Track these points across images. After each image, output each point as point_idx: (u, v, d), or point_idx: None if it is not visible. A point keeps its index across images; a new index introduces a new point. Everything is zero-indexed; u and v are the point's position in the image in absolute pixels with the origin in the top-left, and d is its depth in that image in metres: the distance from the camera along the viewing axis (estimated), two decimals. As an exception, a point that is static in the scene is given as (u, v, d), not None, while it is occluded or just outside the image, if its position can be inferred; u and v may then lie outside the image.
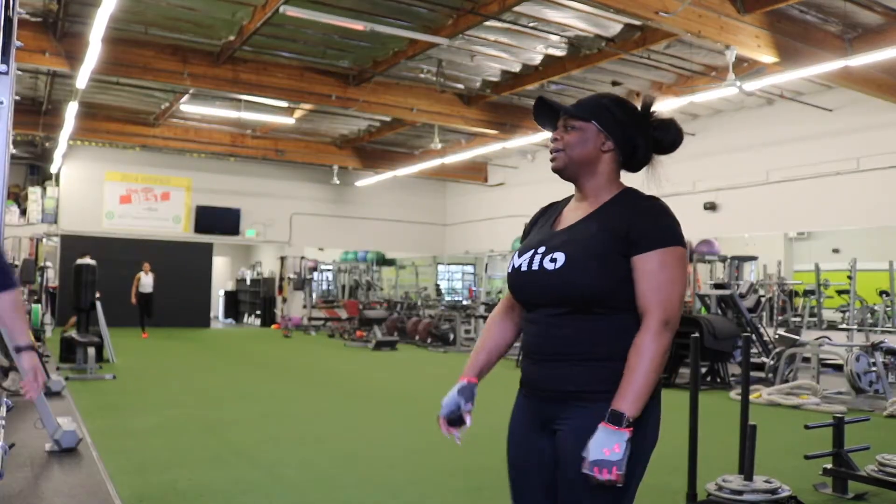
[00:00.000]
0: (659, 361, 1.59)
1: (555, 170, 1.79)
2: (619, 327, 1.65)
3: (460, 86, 12.04)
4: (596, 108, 1.76)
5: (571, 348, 1.67)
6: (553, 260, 1.68)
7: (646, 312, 1.61)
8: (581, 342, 1.66)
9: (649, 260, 1.63)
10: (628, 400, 1.56)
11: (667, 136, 1.78)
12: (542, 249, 1.72)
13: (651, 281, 1.62)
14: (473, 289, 19.47)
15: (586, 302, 1.65)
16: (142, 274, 14.29)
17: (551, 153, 1.78)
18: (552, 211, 1.88)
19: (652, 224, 1.66)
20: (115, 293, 13.01)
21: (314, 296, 20.52)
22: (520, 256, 1.77)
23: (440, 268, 21.63)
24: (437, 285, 20.17)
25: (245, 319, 21.91)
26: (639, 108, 1.80)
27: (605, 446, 1.53)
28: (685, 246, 1.68)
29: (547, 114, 1.83)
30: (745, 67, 9.53)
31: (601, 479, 1.52)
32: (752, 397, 6.53)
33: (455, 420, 1.87)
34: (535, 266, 1.71)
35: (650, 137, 1.77)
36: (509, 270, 1.79)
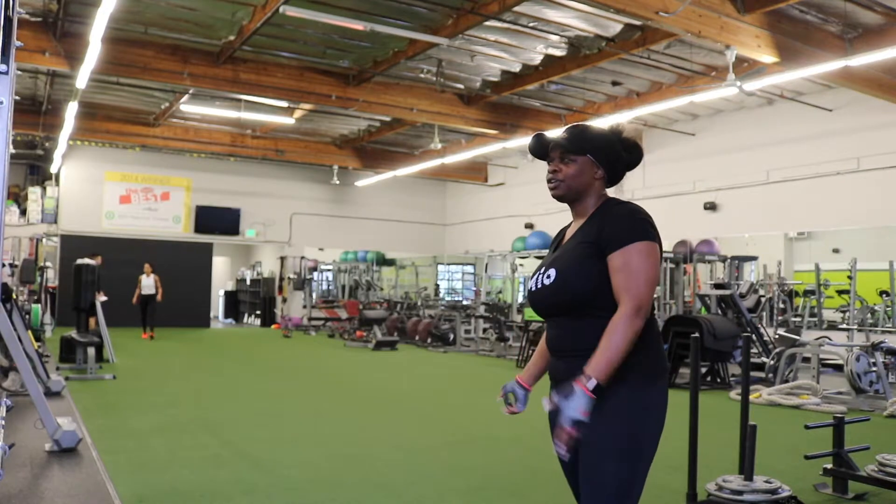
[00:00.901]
0: (629, 341, 1.82)
1: (556, 197, 2.06)
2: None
3: (460, 86, 12.04)
4: (588, 142, 2.02)
5: (576, 345, 1.94)
6: (548, 276, 1.99)
7: (620, 302, 1.86)
8: (581, 339, 1.92)
9: (618, 257, 1.88)
10: (600, 367, 1.80)
11: (634, 157, 2.07)
12: (542, 269, 2.04)
13: (621, 274, 1.87)
14: (479, 290, 19.49)
15: (577, 306, 1.93)
16: (142, 276, 14.18)
17: (550, 183, 2.06)
18: (560, 236, 2.17)
19: (619, 226, 1.91)
20: (114, 293, 12.99)
21: (314, 296, 20.53)
22: (531, 278, 2.09)
23: (440, 268, 21.63)
24: (437, 285, 20.15)
25: (245, 319, 21.92)
26: (611, 134, 2.07)
27: (580, 407, 1.77)
28: (652, 240, 1.90)
29: (541, 146, 2.09)
30: (745, 67, 9.52)
31: (572, 434, 1.77)
32: (752, 397, 6.54)
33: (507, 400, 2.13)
34: (538, 284, 2.02)
35: (624, 159, 2.06)
36: (527, 292, 2.18)
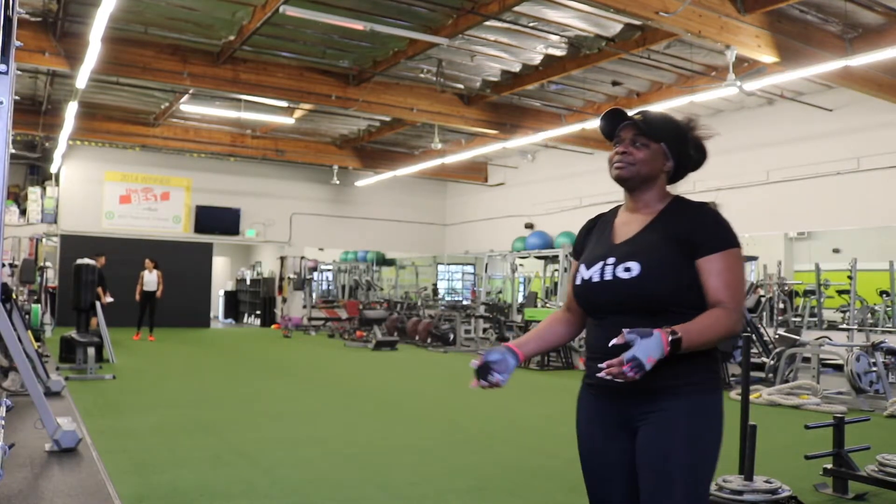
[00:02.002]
0: (723, 331, 1.74)
1: (619, 177, 1.92)
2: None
3: (460, 86, 12.04)
4: (665, 130, 1.92)
5: None
6: (627, 269, 1.82)
7: (720, 303, 1.77)
8: None
9: (717, 260, 1.79)
10: (690, 335, 1.69)
11: (700, 158, 1.97)
12: (611, 260, 1.87)
13: (720, 279, 1.78)
14: (476, 290, 19.48)
15: (661, 306, 1.80)
16: (145, 272, 13.88)
17: (618, 163, 1.91)
18: (603, 224, 2.03)
19: (715, 228, 1.82)
20: (114, 293, 12.99)
21: (314, 296, 20.52)
22: (588, 269, 1.91)
23: (440, 268, 21.62)
24: (435, 286, 20.15)
25: (245, 319, 21.92)
26: (686, 127, 1.96)
27: (652, 355, 1.63)
28: (740, 246, 1.85)
29: (612, 122, 1.95)
30: (746, 67, 9.52)
31: (626, 372, 1.62)
32: (752, 397, 6.54)
33: (484, 372, 1.87)
34: (607, 276, 1.85)
35: (691, 157, 1.96)
36: (577, 283, 1.93)
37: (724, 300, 1.77)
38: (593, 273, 1.89)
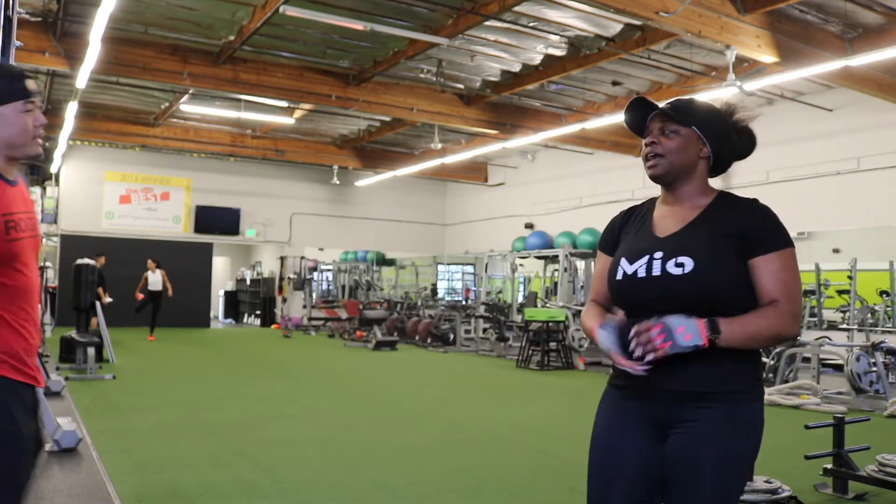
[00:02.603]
0: (774, 331, 1.66)
1: (654, 176, 1.80)
2: None
3: (460, 86, 12.04)
4: (695, 113, 1.79)
5: (698, 350, 1.66)
6: (679, 265, 1.70)
7: (775, 304, 1.68)
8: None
9: (773, 261, 1.70)
10: (733, 329, 1.61)
11: (746, 143, 1.85)
12: (658, 255, 1.74)
13: (777, 279, 1.68)
14: (471, 289, 19.49)
15: (714, 304, 1.67)
16: (148, 272, 13.78)
17: (649, 158, 1.79)
18: (638, 217, 1.90)
19: (768, 227, 1.73)
20: (114, 293, 12.99)
21: (314, 296, 20.52)
22: (631, 263, 1.78)
23: (440, 268, 21.63)
24: (434, 286, 20.15)
25: (245, 319, 21.92)
26: (724, 110, 1.85)
27: (690, 332, 1.57)
28: (794, 246, 1.77)
29: (639, 114, 1.83)
30: (746, 67, 9.53)
31: (653, 339, 1.56)
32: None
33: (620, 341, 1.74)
34: (655, 272, 1.73)
35: (734, 144, 1.83)
36: (619, 277, 1.79)
37: (778, 299, 1.67)
38: (638, 268, 1.75)
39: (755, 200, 1.78)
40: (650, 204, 1.92)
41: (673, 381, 1.69)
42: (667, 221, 1.82)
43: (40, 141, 1.93)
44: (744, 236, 1.70)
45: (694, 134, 1.77)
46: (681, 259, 1.70)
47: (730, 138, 1.81)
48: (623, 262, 1.80)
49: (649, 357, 1.60)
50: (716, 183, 1.89)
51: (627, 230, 1.90)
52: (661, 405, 1.72)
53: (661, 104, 1.81)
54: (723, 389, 1.68)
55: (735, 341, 1.62)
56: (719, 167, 1.84)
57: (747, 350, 1.70)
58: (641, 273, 1.75)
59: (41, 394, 1.97)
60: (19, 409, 1.88)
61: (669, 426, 1.72)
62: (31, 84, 1.92)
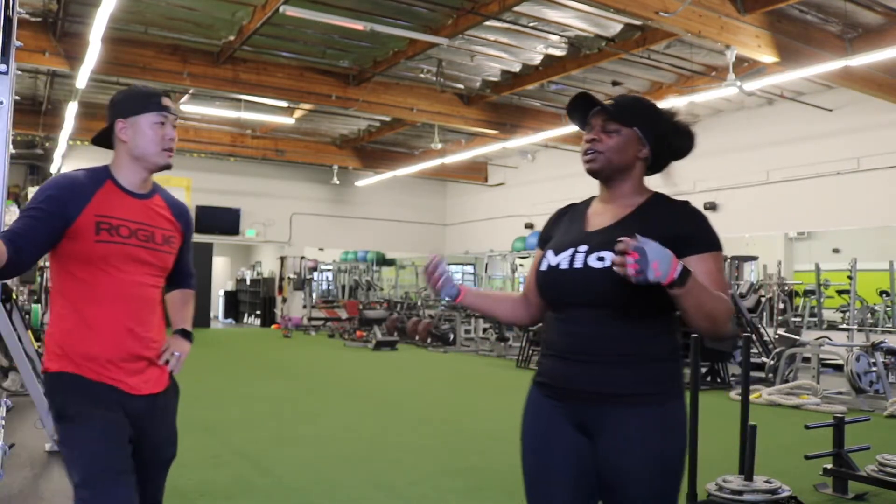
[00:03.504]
0: (721, 310, 1.59)
1: (591, 171, 1.79)
2: (662, 328, 1.69)
3: (460, 86, 12.04)
4: (637, 113, 1.79)
5: (617, 349, 1.67)
6: (601, 259, 1.67)
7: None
8: (627, 343, 1.67)
9: (706, 260, 1.67)
10: (698, 283, 1.54)
11: (683, 145, 1.84)
12: (583, 248, 1.72)
13: (713, 278, 1.65)
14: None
15: (634, 301, 1.64)
16: None
17: (588, 153, 1.78)
18: (574, 212, 1.90)
19: (702, 229, 1.72)
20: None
21: (314, 296, 20.51)
22: (556, 255, 1.76)
23: (440, 268, 21.58)
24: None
25: (245, 319, 21.92)
26: (664, 111, 1.85)
27: (661, 270, 1.48)
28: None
29: (581, 109, 1.81)
30: (746, 67, 9.52)
31: (628, 265, 1.47)
32: (752, 397, 6.54)
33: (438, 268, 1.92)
34: (577, 264, 1.70)
35: (673, 144, 1.83)
36: (543, 269, 1.78)
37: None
38: (562, 259, 1.74)
39: (688, 203, 1.78)
40: (588, 200, 1.91)
41: (592, 382, 1.67)
42: (599, 217, 1.81)
43: (169, 153, 2.03)
44: (677, 236, 1.66)
45: (634, 134, 1.77)
46: (603, 253, 1.67)
47: (669, 139, 1.81)
48: (549, 253, 1.79)
49: (618, 270, 1.51)
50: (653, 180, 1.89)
51: (560, 225, 1.89)
52: (584, 406, 1.69)
53: (606, 102, 1.80)
54: (645, 391, 1.65)
55: (689, 298, 1.53)
56: (657, 167, 1.85)
57: (669, 350, 1.70)
58: (564, 265, 1.73)
59: (130, 399, 1.98)
60: (81, 398, 1.89)
61: (595, 428, 1.68)
62: (166, 101, 2.05)
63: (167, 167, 2.05)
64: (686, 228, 1.71)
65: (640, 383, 1.65)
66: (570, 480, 1.72)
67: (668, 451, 1.66)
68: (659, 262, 1.48)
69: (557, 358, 1.74)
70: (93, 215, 1.91)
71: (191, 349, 2.22)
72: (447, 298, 1.93)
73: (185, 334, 2.23)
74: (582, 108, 1.81)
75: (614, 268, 1.51)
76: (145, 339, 2.00)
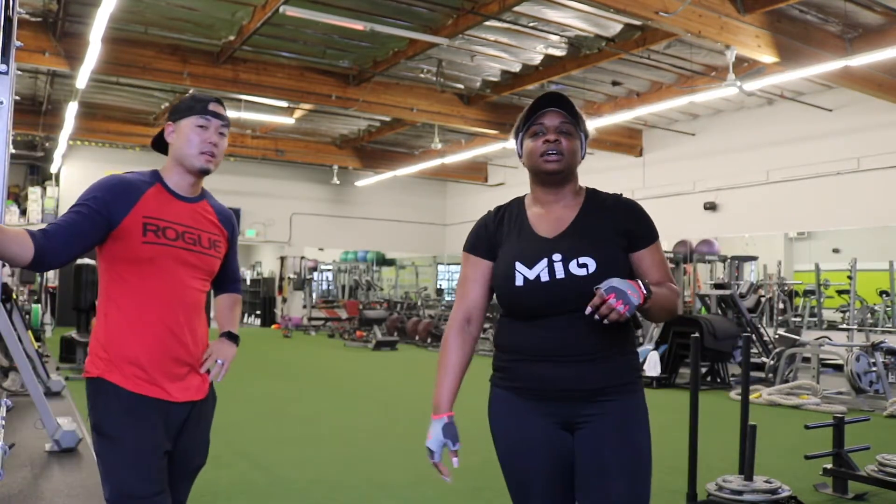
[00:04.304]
0: (674, 304, 1.80)
1: (554, 171, 1.81)
2: (626, 323, 1.75)
3: (460, 86, 12.04)
4: (582, 120, 1.89)
5: (595, 348, 1.74)
6: (582, 265, 1.73)
7: (667, 284, 1.82)
8: (603, 341, 1.74)
9: (654, 252, 1.83)
10: (656, 291, 1.69)
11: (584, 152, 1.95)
12: (557, 257, 1.75)
13: (661, 267, 1.82)
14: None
15: None
16: None
17: (551, 153, 1.80)
18: (510, 218, 1.88)
19: (646, 221, 1.85)
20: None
21: (314, 296, 20.51)
22: (529, 267, 1.76)
23: (440, 268, 21.62)
24: (439, 286, 20.14)
25: (245, 319, 21.91)
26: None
27: (635, 293, 1.60)
28: None
29: (546, 107, 1.85)
30: (745, 67, 9.52)
31: (614, 306, 1.56)
32: (752, 397, 6.54)
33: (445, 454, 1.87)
34: (559, 275, 1.73)
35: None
36: (519, 283, 1.76)
37: (666, 281, 1.81)
38: (540, 271, 1.74)
39: (621, 196, 1.90)
40: (518, 203, 1.91)
41: (573, 381, 1.73)
42: (546, 221, 1.83)
43: (209, 158, 2.01)
44: (630, 232, 1.80)
45: (581, 138, 1.87)
46: (583, 259, 1.73)
47: (586, 143, 1.92)
48: (520, 266, 1.77)
49: (612, 320, 1.59)
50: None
51: (505, 232, 1.86)
52: (562, 403, 1.75)
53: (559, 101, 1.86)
54: (618, 383, 1.75)
55: (655, 304, 1.68)
56: None
57: (632, 342, 1.83)
58: (545, 277, 1.73)
59: (171, 407, 1.98)
60: (119, 416, 1.89)
61: (578, 423, 1.75)
62: (214, 107, 2.03)
63: (205, 172, 2.03)
64: (634, 224, 1.82)
65: (617, 375, 1.76)
66: (550, 478, 1.78)
67: (643, 436, 1.77)
68: (630, 289, 1.59)
69: (534, 361, 1.77)
70: (140, 216, 1.92)
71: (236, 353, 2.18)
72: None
73: (232, 337, 2.21)
74: (541, 104, 1.85)
75: (603, 320, 1.59)
76: (188, 344, 2.00)
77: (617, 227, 1.79)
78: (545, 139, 1.80)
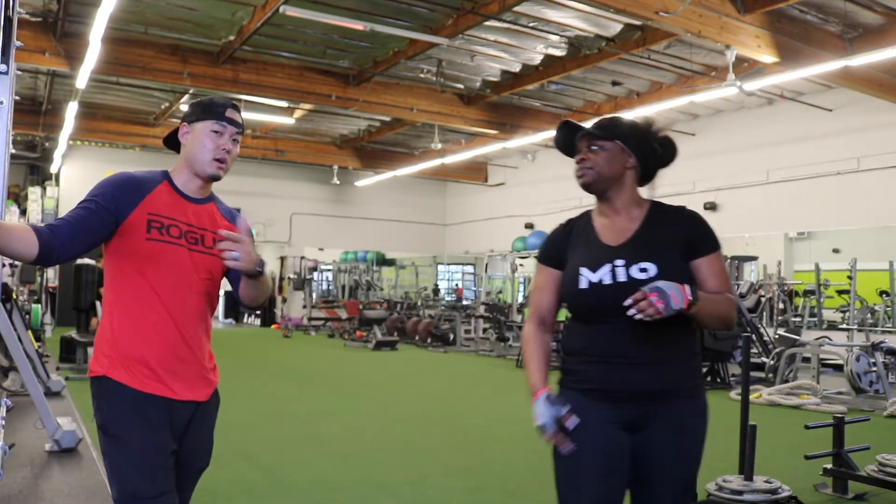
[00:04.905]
0: (727, 311, 1.88)
1: (584, 185, 1.96)
2: (689, 326, 1.90)
3: (460, 86, 12.04)
4: (616, 128, 1.95)
5: (662, 350, 1.86)
6: (643, 270, 1.85)
7: (725, 294, 1.90)
8: (669, 343, 1.86)
9: (714, 261, 1.91)
10: (705, 297, 1.79)
11: (668, 153, 1.99)
12: (620, 262, 1.87)
13: (720, 277, 1.91)
14: (464, 289, 19.50)
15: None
16: None
17: (579, 171, 1.95)
18: (578, 229, 2.02)
19: (706, 231, 1.94)
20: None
21: (314, 296, 20.51)
22: (593, 272, 1.89)
23: (440, 268, 21.62)
24: (436, 286, 20.13)
25: (245, 319, 21.90)
26: (643, 124, 2.00)
27: (678, 297, 1.71)
28: None
29: (566, 137, 1.99)
30: (745, 67, 9.52)
31: (654, 304, 1.68)
32: (752, 397, 6.53)
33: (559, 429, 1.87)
34: (621, 278, 1.85)
35: (657, 153, 1.98)
36: (583, 286, 1.89)
37: (724, 291, 1.89)
38: (602, 276, 1.87)
39: (685, 208, 1.99)
40: (586, 217, 2.04)
41: (640, 382, 1.84)
42: (611, 231, 1.95)
43: (220, 165, 2.01)
44: (689, 241, 1.90)
45: (618, 146, 1.93)
46: (643, 264, 1.85)
47: (652, 148, 1.96)
48: (584, 271, 1.90)
49: (647, 319, 1.71)
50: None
51: (573, 243, 1.99)
52: (629, 404, 1.85)
53: (587, 125, 1.97)
54: (686, 384, 1.88)
55: (702, 311, 1.78)
56: (646, 176, 2.00)
57: (697, 346, 1.95)
58: (607, 280, 1.86)
59: (175, 406, 1.97)
60: (125, 415, 1.89)
61: (639, 422, 1.86)
62: (231, 113, 2.02)
63: (215, 178, 2.03)
64: (694, 233, 1.92)
65: (684, 377, 1.89)
66: (602, 475, 1.85)
67: (703, 433, 1.91)
68: (674, 292, 1.71)
69: (602, 363, 1.87)
70: (145, 213, 1.93)
71: (258, 258, 2.00)
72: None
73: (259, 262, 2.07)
74: (567, 135, 1.99)
75: (639, 315, 1.70)
76: (191, 344, 2.00)
77: (678, 236, 1.90)
78: (576, 160, 1.97)
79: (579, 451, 1.85)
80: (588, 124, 1.99)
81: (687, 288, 1.74)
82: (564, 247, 2.00)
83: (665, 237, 1.90)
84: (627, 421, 1.85)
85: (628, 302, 1.71)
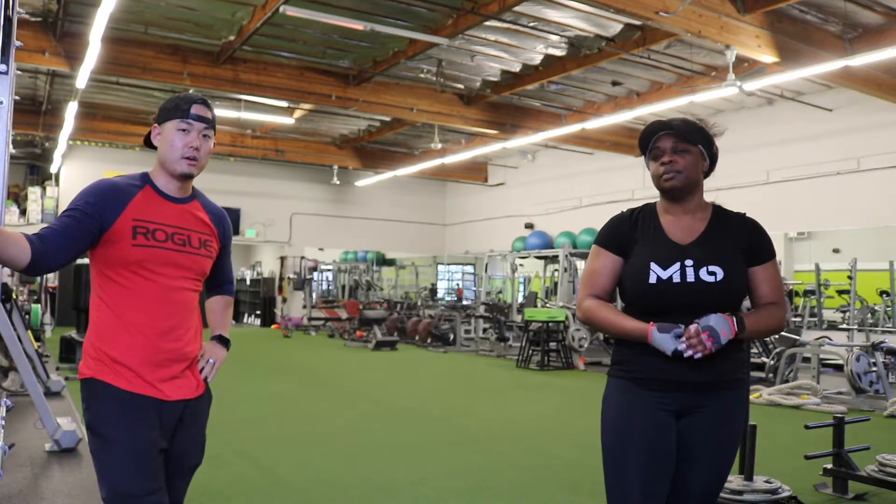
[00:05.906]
0: (777, 323, 2.01)
1: (671, 189, 2.01)
2: None
3: (460, 86, 12.04)
4: (697, 132, 2.02)
5: (723, 349, 1.93)
6: (712, 273, 1.94)
7: (775, 305, 2.03)
8: (730, 343, 1.94)
9: (769, 269, 2.03)
10: (752, 322, 1.93)
11: (716, 157, 2.10)
12: (689, 262, 1.96)
13: (775, 285, 2.03)
14: (464, 289, 19.50)
15: (733, 307, 1.96)
16: None
17: (667, 174, 1.99)
18: (643, 222, 2.07)
19: (766, 241, 2.06)
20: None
21: (314, 296, 20.50)
22: (664, 269, 1.97)
23: (440, 268, 21.62)
24: (434, 286, 20.12)
25: (245, 319, 21.92)
26: (707, 129, 2.08)
27: (727, 332, 1.86)
28: None
29: (647, 137, 2.04)
30: (746, 67, 9.53)
31: (705, 342, 1.83)
32: (752, 397, 6.54)
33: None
34: (690, 278, 1.95)
35: (716, 156, 2.09)
36: (653, 281, 1.96)
37: (777, 301, 2.02)
38: (672, 273, 1.95)
39: (745, 214, 2.10)
40: (650, 210, 2.09)
41: (698, 374, 1.93)
42: (678, 229, 2.03)
43: (190, 163, 2.01)
44: (751, 248, 2.01)
45: (699, 151, 2.01)
46: (712, 268, 1.94)
47: (714, 151, 2.06)
48: (654, 266, 1.97)
49: (697, 356, 1.85)
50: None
51: (640, 235, 2.05)
52: (683, 394, 1.96)
53: (672, 122, 2.02)
54: (734, 377, 1.99)
55: (752, 334, 1.95)
56: (706, 176, 2.11)
57: (742, 346, 2.05)
58: (676, 278, 1.95)
59: (165, 406, 1.99)
60: (113, 414, 1.90)
61: (687, 410, 1.97)
62: (197, 109, 2.01)
63: (188, 176, 2.04)
64: (756, 241, 2.03)
65: (733, 370, 1.99)
66: (649, 459, 1.95)
67: (743, 424, 2.09)
68: (723, 326, 1.85)
69: (656, 354, 1.93)
70: (130, 219, 1.93)
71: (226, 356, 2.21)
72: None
73: (223, 341, 2.23)
74: (647, 135, 2.04)
75: (689, 352, 1.84)
76: (181, 344, 2.00)
77: (740, 242, 2.00)
78: (662, 161, 2.00)
79: (629, 432, 1.96)
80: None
81: (734, 320, 1.87)
82: (630, 236, 2.05)
83: (729, 242, 1.99)
84: (675, 409, 1.96)
85: (683, 343, 1.84)
